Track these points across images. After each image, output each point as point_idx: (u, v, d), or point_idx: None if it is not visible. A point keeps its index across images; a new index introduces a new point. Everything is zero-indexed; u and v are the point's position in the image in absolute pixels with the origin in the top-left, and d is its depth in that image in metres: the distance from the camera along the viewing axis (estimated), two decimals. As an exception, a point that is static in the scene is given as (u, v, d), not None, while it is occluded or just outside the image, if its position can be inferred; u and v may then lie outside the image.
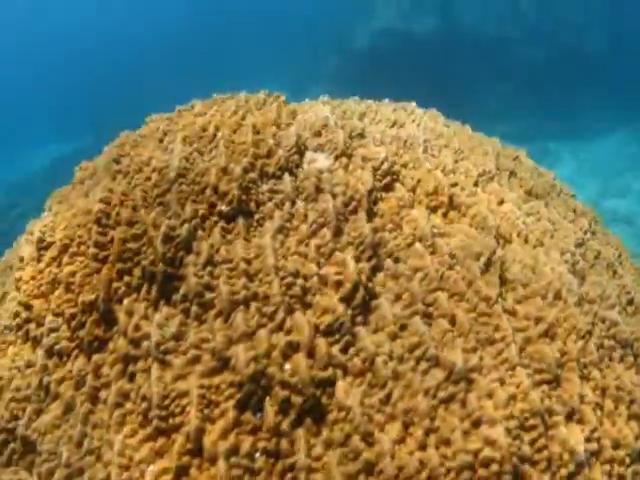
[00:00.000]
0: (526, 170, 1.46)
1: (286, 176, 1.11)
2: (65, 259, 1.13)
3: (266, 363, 0.91)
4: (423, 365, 0.93)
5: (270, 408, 0.89)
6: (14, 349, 1.13)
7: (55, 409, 1.01)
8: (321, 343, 0.94)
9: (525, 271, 1.10)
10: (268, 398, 0.90)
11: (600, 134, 9.18)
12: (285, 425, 0.89)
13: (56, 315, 1.09)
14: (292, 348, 0.93)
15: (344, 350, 0.95)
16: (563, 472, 0.90)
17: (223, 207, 1.08)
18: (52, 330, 1.07)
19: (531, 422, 0.90)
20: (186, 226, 1.04)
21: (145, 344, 0.98)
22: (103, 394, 0.99)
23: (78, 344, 1.06)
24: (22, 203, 9.09)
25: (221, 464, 0.85)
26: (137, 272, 1.05)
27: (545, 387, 0.96)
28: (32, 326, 1.12)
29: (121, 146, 1.28)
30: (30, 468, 1.01)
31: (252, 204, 1.09)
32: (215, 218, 1.07)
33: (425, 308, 1.00)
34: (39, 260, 1.17)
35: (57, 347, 1.06)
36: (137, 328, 0.99)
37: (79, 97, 15.52)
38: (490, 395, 0.91)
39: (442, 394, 0.91)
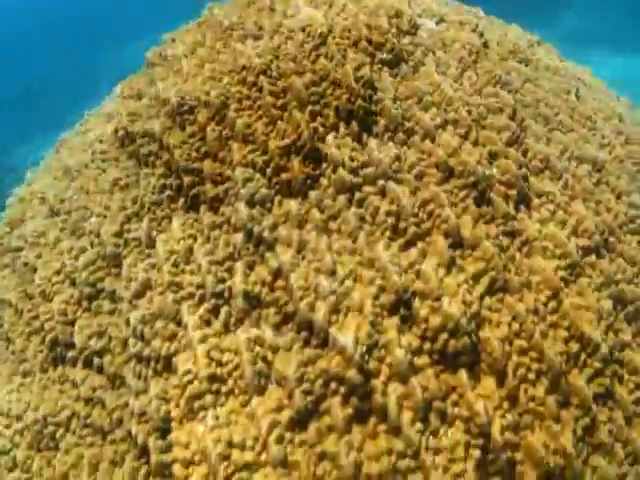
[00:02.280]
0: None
1: (420, 32, 1.23)
2: (230, 114, 1.09)
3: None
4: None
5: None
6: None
7: (284, 252, 1.00)
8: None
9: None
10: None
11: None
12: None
13: (245, 166, 1.06)
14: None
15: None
16: None
17: (384, 55, 1.16)
18: (247, 180, 1.04)
19: None
20: (367, 67, 1.10)
21: (368, 170, 1.03)
22: (333, 225, 1.02)
23: (279, 189, 1.05)
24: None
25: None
26: (328, 112, 1.08)
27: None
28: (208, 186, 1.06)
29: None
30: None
31: (404, 53, 1.19)
32: (379, 65, 1.15)
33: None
34: (191, 124, 1.10)
35: (257, 196, 1.04)
36: (353, 158, 1.04)
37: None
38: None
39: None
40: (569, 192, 1.10)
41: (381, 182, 1.03)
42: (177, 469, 0.92)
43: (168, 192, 1.12)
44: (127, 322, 1.03)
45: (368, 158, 1.04)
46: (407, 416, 0.91)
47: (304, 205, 1.03)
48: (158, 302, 1.02)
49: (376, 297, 0.96)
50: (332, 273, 0.98)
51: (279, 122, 1.07)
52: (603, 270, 1.05)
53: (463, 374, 0.94)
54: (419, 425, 0.91)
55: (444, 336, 0.94)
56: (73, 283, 1.16)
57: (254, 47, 1.15)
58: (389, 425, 0.91)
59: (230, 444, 0.91)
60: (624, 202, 1.12)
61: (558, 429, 0.95)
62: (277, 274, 0.99)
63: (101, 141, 1.34)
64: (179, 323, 1.01)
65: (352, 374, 0.91)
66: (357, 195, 1.03)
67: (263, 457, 0.90)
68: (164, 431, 0.95)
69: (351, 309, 0.95)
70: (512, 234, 1.04)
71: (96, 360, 1.07)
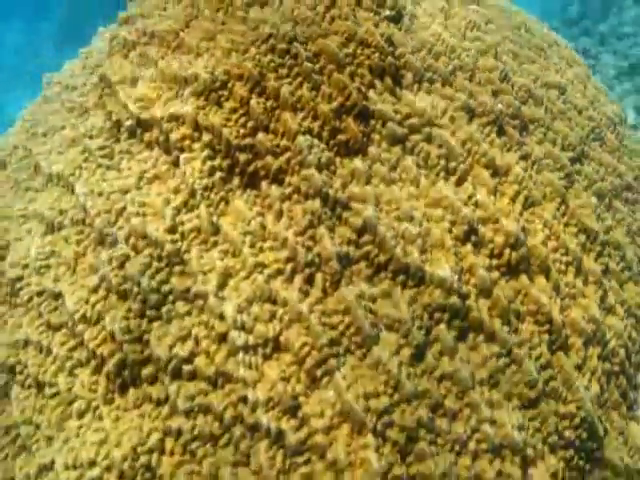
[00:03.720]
0: None
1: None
2: (272, 84, 1.08)
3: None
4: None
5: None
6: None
7: (364, 208, 1.07)
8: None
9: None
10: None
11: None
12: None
13: (303, 133, 1.08)
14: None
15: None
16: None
17: (387, 12, 1.23)
18: (310, 147, 1.07)
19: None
20: (384, 25, 1.17)
21: (413, 120, 1.13)
22: (395, 175, 1.11)
23: (337, 150, 1.10)
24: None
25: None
26: (362, 71, 1.13)
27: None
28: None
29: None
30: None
31: (401, 8, 1.27)
32: (386, 22, 1.22)
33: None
34: (227, 99, 1.07)
35: (323, 160, 1.08)
36: (396, 111, 1.13)
37: None
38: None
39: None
40: (549, 115, 1.32)
41: (426, 129, 1.14)
42: (319, 439, 0.98)
43: (219, 174, 1.09)
44: (221, 316, 1.02)
45: (410, 109, 1.13)
46: (497, 323, 1.09)
47: (366, 161, 1.10)
48: (248, 287, 1.03)
49: (450, 230, 1.10)
50: (411, 218, 1.08)
51: (323, 86, 1.10)
52: (587, 174, 1.31)
53: (524, 278, 1.14)
54: (506, 328, 1.10)
55: (507, 251, 1.13)
56: (124, 296, 1.07)
57: (271, 13, 1.13)
58: (485, 334, 1.08)
59: (366, 396, 1.00)
60: (584, 116, 1.39)
61: (586, 302, 1.21)
62: (362, 230, 1.07)
63: (91, 137, 1.22)
64: (275, 302, 1.04)
65: (454, 300, 1.05)
66: (408, 144, 1.13)
67: (397, 396, 1.01)
68: (294, 409, 0.99)
69: (434, 246, 1.08)
70: (525, 157, 1.24)
71: (186, 367, 1.02)
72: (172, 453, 1.02)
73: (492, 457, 1.04)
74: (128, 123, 1.16)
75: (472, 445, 1.03)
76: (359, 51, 1.14)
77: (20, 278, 1.18)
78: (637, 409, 1.23)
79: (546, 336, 1.13)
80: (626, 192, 1.44)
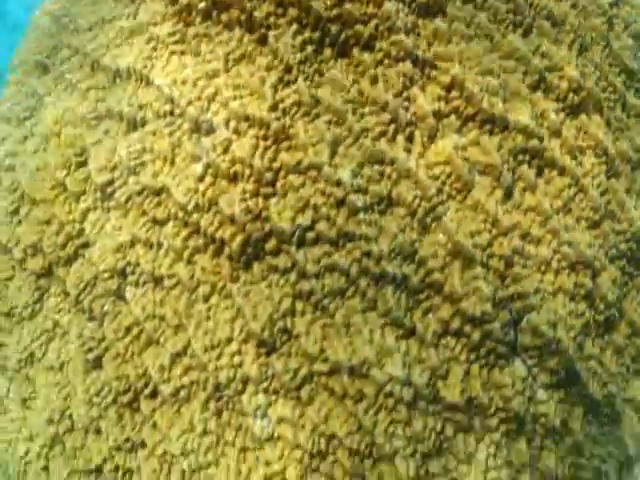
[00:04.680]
0: None
1: None
2: None
3: None
4: None
5: None
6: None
7: (451, 66, 1.14)
8: None
9: None
10: None
11: None
12: None
13: None
14: None
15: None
16: None
17: None
18: (397, 11, 1.11)
19: None
20: None
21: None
22: (471, 31, 1.18)
23: (419, 13, 1.15)
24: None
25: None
26: None
27: None
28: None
29: None
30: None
31: None
32: None
33: None
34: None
35: (409, 24, 1.12)
36: None
37: None
38: None
39: None
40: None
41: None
42: (437, 276, 1.13)
43: (310, 47, 1.12)
44: (338, 183, 1.10)
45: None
46: (567, 158, 1.23)
47: (446, 21, 1.16)
48: (358, 152, 1.11)
49: (523, 81, 1.20)
50: (490, 72, 1.17)
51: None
52: (622, 17, 1.41)
53: (584, 117, 1.27)
54: (574, 162, 1.24)
55: (571, 95, 1.24)
56: (234, 179, 1.12)
57: None
58: (558, 169, 1.22)
59: (471, 234, 1.15)
60: None
61: (631, 134, 1.37)
62: (450, 87, 1.15)
63: (156, 24, 1.19)
64: (382, 162, 1.13)
65: (533, 142, 1.18)
66: (478, 1, 1.19)
67: (494, 231, 1.16)
68: (412, 255, 1.12)
69: (513, 95, 1.18)
70: (574, 5, 1.32)
71: (309, 234, 1.10)
72: (303, 313, 1.15)
73: (570, 272, 1.23)
74: (202, 5, 1.15)
75: (554, 264, 1.21)
76: None
77: (111, 181, 1.21)
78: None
79: (603, 166, 1.29)
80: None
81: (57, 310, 1.27)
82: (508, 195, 1.18)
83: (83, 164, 1.26)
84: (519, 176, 1.19)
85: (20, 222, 1.40)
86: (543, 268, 1.20)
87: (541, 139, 1.19)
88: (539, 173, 1.21)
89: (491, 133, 1.17)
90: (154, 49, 1.21)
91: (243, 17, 1.13)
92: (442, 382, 1.15)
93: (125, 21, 1.28)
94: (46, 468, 1.31)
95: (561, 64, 1.22)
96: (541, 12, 1.23)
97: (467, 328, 1.14)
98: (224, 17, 1.14)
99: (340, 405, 1.14)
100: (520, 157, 1.18)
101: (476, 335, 1.14)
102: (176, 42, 1.19)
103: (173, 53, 1.19)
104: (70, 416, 1.25)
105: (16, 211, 1.41)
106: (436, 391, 1.15)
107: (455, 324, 1.13)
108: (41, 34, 1.51)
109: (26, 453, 1.34)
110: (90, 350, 1.19)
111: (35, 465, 1.32)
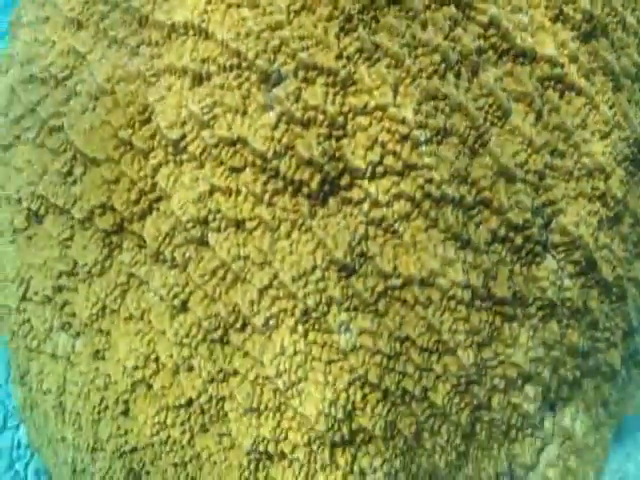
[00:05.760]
0: None
1: None
2: None
3: None
4: None
5: None
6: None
7: (489, 7, 1.27)
8: None
9: None
10: None
11: None
12: None
13: None
14: None
15: None
16: None
17: None
18: None
19: None
20: None
21: None
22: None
23: None
24: None
25: None
26: None
27: None
28: None
29: None
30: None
31: None
32: None
33: None
34: None
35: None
36: None
37: None
38: None
39: None
40: None
41: None
42: (486, 194, 1.32)
43: (365, -5, 1.21)
44: (403, 121, 1.24)
45: None
46: (583, 80, 1.41)
47: (480, -37, 1.27)
48: (416, 91, 1.25)
49: (546, 15, 1.35)
50: (520, 9, 1.31)
51: None
52: None
53: (594, 42, 1.44)
54: (588, 83, 1.42)
55: (584, 24, 1.40)
56: (307, 125, 1.25)
57: None
58: (576, 91, 1.41)
59: (512, 155, 1.33)
60: None
61: (630, 51, 1.55)
62: (488, 25, 1.29)
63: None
64: (436, 97, 1.27)
65: (557, 70, 1.35)
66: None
67: (529, 150, 1.35)
68: (464, 179, 1.31)
69: (539, 28, 1.33)
70: None
71: (379, 169, 1.26)
72: (376, 237, 1.32)
73: (588, 178, 1.44)
74: None
75: (576, 172, 1.42)
76: None
77: (184, 136, 1.29)
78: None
79: (610, 83, 1.48)
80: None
81: (133, 263, 1.38)
82: (538, 117, 1.36)
83: (147, 121, 1.34)
84: (546, 100, 1.36)
85: (75, 182, 1.47)
86: (567, 177, 1.41)
87: (562, 66, 1.36)
88: (561, 96, 1.39)
89: (522, 64, 1.33)
90: (208, 2, 1.27)
91: (300, -29, 1.21)
92: (493, 282, 1.37)
93: (173, -25, 1.31)
94: (126, 412, 1.44)
95: (576, -4, 1.37)
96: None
97: (511, 234, 1.35)
98: None
99: (412, 312, 1.35)
100: (546, 83, 1.35)
101: (519, 239, 1.36)
102: (230, -6, 1.25)
103: (230, 6, 1.25)
104: (156, 359, 1.38)
105: (69, 172, 1.47)
106: (488, 290, 1.37)
107: (502, 232, 1.34)
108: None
109: (101, 402, 1.47)
110: (176, 296, 1.33)
111: (112, 412, 1.45)
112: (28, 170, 1.53)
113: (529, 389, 1.51)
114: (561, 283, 1.46)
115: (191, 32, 1.29)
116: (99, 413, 1.48)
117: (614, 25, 1.50)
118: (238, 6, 1.26)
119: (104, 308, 1.43)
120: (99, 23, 1.46)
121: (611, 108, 1.47)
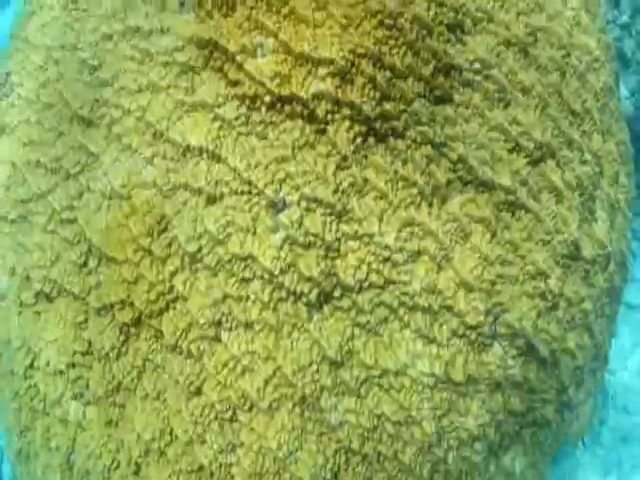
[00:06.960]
0: None
1: None
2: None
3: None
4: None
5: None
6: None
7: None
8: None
9: None
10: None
11: None
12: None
13: None
14: None
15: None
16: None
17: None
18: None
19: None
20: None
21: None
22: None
23: None
24: None
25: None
26: None
27: None
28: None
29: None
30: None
31: None
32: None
33: None
34: None
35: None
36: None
37: None
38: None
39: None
40: None
41: (485, 72, 1.54)
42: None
43: (359, 138, 1.42)
44: (386, 246, 1.47)
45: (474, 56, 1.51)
46: (530, 200, 1.68)
47: (453, 107, 1.50)
48: (397, 220, 1.48)
49: (503, 147, 1.60)
50: (482, 146, 1.56)
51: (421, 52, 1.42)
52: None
53: (542, 164, 1.71)
54: (535, 202, 1.70)
55: (536, 151, 1.67)
56: (307, 247, 1.46)
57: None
58: (525, 210, 1.67)
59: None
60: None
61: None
62: (457, 161, 1.53)
63: (219, 105, 1.40)
64: (412, 225, 1.51)
65: (511, 197, 1.61)
66: (475, 84, 1.54)
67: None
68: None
69: (496, 161, 1.58)
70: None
71: (375, 278, 1.52)
72: (360, 337, 1.56)
73: (530, 281, 1.73)
74: (267, 99, 1.38)
75: (521, 277, 1.70)
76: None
77: (200, 249, 1.47)
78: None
79: (554, 199, 1.76)
80: None
81: (150, 351, 1.55)
82: (493, 236, 1.62)
83: (164, 230, 1.50)
84: (500, 219, 1.63)
85: (90, 273, 1.61)
86: (513, 282, 1.69)
87: (515, 192, 1.62)
88: (512, 214, 1.65)
89: (483, 192, 1.58)
90: (220, 128, 1.44)
91: (305, 111, 1.40)
92: (452, 369, 1.64)
93: (184, 95, 1.46)
94: (137, 472, 1.60)
95: (529, 129, 1.63)
96: (517, 85, 1.61)
97: (467, 332, 1.62)
98: (287, 109, 1.40)
99: (387, 395, 1.60)
100: (501, 206, 1.62)
101: (473, 335, 1.63)
102: (242, 124, 1.43)
103: (240, 134, 1.43)
104: (170, 432, 1.57)
105: (85, 264, 1.61)
106: (448, 375, 1.64)
107: (460, 331, 1.61)
108: (72, 79, 1.60)
109: (112, 461, 1.64)
110: (192, 382, 1.52)
111: (123, 471, 1.62)
112: (38, 253, 1.65)
113: (477, 445, 1.81)
114: (505, 364, 1.75)
115: (205, 155, 1.46)
116: (109, 472, 1.65)
117: (560, 145, 1.78)
118: (247, 135, 1.44)
119: (119, 385, 1.60)
120: (111, 126, 1.59)
121: (553, 219, 1.76)
